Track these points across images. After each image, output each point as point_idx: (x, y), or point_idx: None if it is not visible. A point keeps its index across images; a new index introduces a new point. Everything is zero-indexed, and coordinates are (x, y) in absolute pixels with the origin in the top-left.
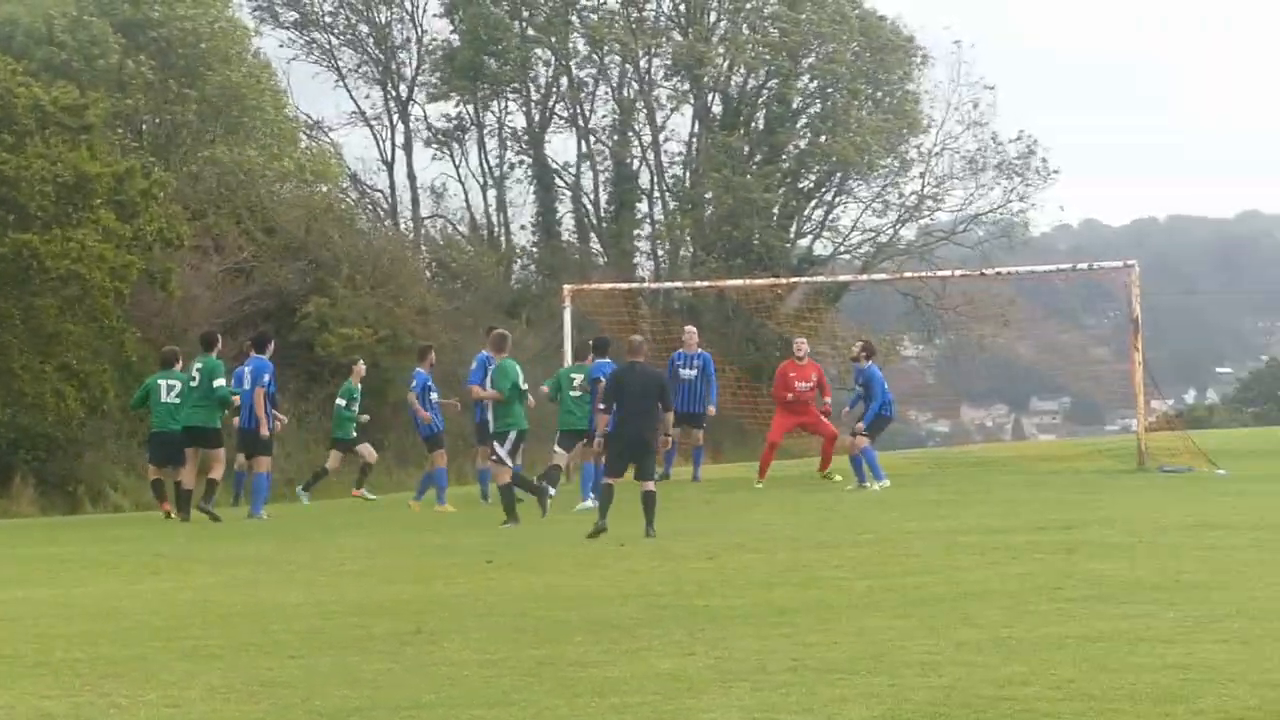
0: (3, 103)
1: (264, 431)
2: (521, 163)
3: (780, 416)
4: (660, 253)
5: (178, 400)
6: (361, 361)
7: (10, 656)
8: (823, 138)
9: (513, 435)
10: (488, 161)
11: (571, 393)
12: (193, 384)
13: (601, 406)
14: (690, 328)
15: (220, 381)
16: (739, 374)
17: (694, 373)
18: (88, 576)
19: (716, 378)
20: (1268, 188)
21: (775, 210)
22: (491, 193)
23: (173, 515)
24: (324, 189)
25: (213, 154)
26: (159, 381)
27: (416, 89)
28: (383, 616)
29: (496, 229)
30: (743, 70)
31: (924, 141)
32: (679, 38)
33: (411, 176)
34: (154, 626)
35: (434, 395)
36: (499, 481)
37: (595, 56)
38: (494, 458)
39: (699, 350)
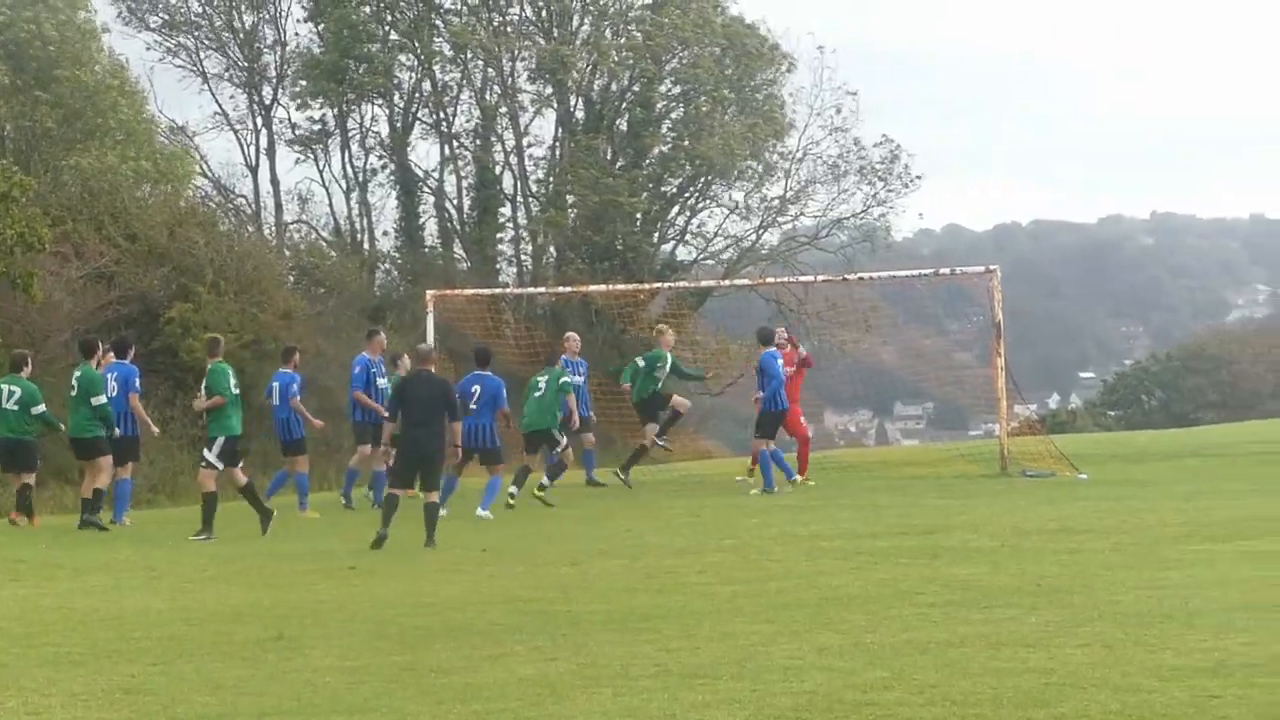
0: None
1: (155, 431)
2: (385, 168)
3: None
4: (523, 258)
5: (16, 408)
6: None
7: None
8: (686, 141)
9: (221, 441)
10: (351, 166)
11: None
12: (73, 393)
13: (386, 415)
14: (572, 334)
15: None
16: (602, 380)
17: (581, 378)
18: None
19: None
20: (1130, 193)
21: (639, 215)
22: (355, 198)
23: (17, 523)
24: (187, 193)
25: (76, 160)
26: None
27: (281, 93)
28: (244, 623)
29: (360, 234)
30: (605, 74)
31: (787, 147)
32: (542, 41)
33: (275, 181)
34: (14, 633)
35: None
36: (203, 489)
37: (459, 60)
38: (203, 463)
39: (581, 358)
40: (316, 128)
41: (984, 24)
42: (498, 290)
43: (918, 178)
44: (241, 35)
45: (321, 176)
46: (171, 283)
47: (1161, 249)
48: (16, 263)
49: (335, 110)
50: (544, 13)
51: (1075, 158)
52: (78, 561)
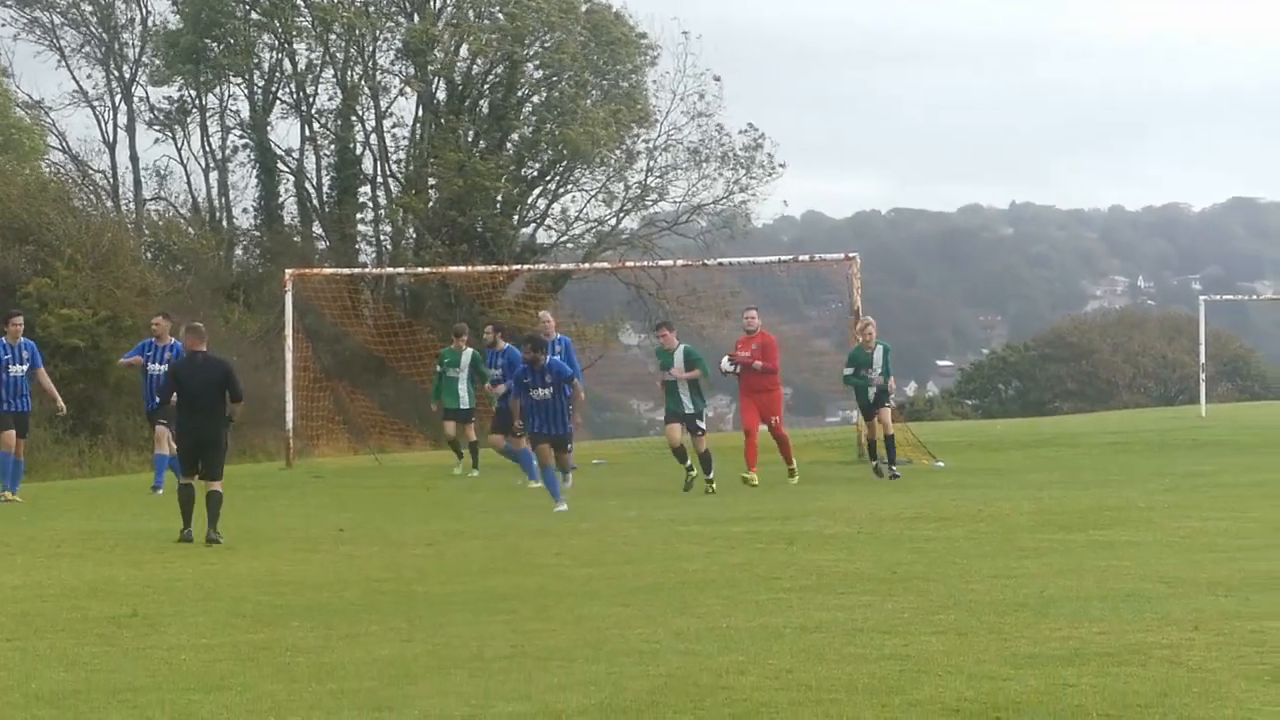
0: None
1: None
2: (245, 146)
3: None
4: (383, 238)
5: None
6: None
7: None
8: (548, 126)
9: None
10: (210, 145)
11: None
12: None
13: (159, 400)
14: (545, 313)
15: None
16: None
17: (558, 358)
18: None
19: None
20: (990, 184)
21: (500, 198)
22: (214, 176)
23: None
24: (44, 167)
25: None
26: None
27: (140, 71)
28: (99, 599)
29: (219, 212)
30: (469, 56)
31: (650, 133)
32: (404, 21)
33: (134, 158)
34: None
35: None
36: None
37: (322, 39)
38: None
39: (559, 335)
40: (176, 106)
41: (858, 9)
42: (357, 270)
43: (781, 166)
44: (100, 12)
45: (180, 154)
46: (35, 261)
47: (1021, 239)
48: None
49: (194, 89)
50: None
51: (935, 148)
52: None
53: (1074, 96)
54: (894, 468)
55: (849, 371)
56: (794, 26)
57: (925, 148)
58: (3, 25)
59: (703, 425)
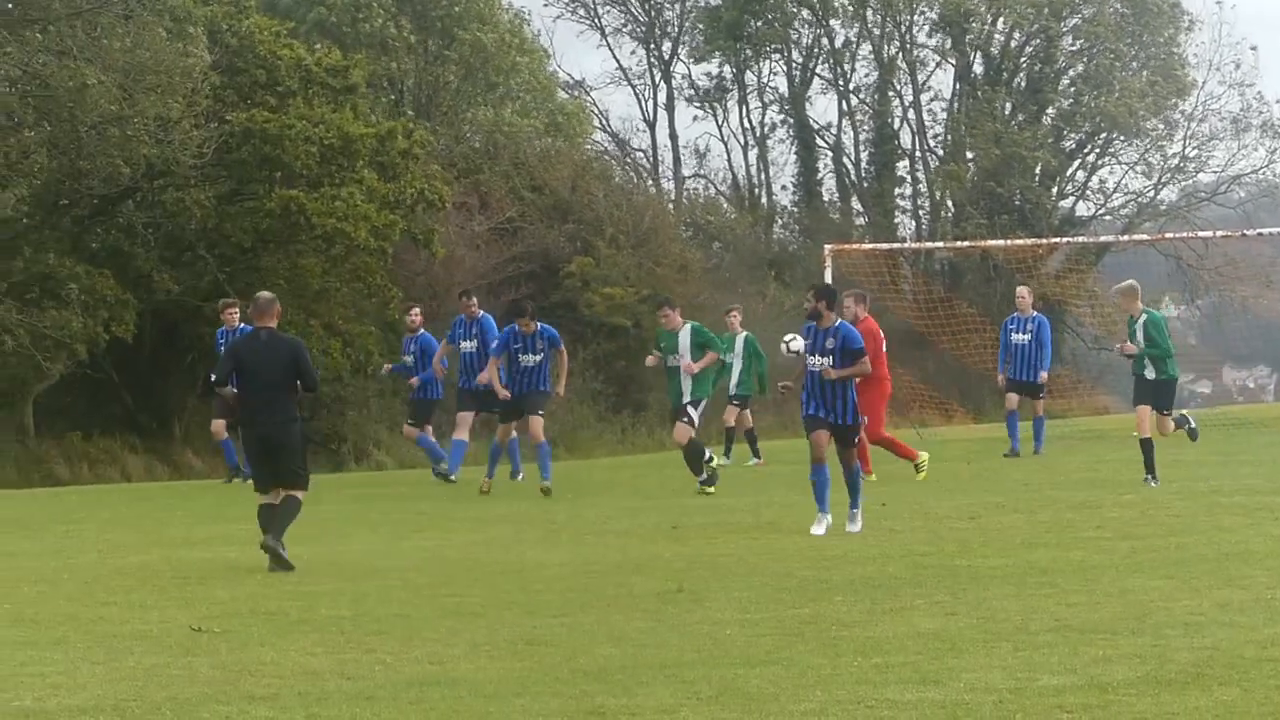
0: (266, 64)
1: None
2: (784, 123)
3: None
4: (921, 212)
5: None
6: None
7: (275, 614)
8: (1085, 98)
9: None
10: (749, 121)
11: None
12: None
13: (215, 378)
14: (1023, 289)
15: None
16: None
17: (1028, 337)
18: (350, 534)
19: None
20: None
21: (1038, 169)
22: (753, 153)
23: None
24: (586, 147)
25: (475, 114)
26: None
27: (679, 48)
28: (644, 575)
29: (757, 189)
30: (1005, 28)
31: (1187, 104)
32: None
33: (673, 136)
34: (417, 584)
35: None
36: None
37: (858, 15)
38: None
39: (1034, 313)
40: (715, 83)
41: None
42: (895, 245)
43: None
44: None
45: (720, 131)
46: (575, 239)
47: None
48: (418, 219)
49: (733, 66)
50: None
51: None
52: (478, 514)
53: None
54: None
55: None
56: None
57: None
58: (545, 6)
59: (694, 415)
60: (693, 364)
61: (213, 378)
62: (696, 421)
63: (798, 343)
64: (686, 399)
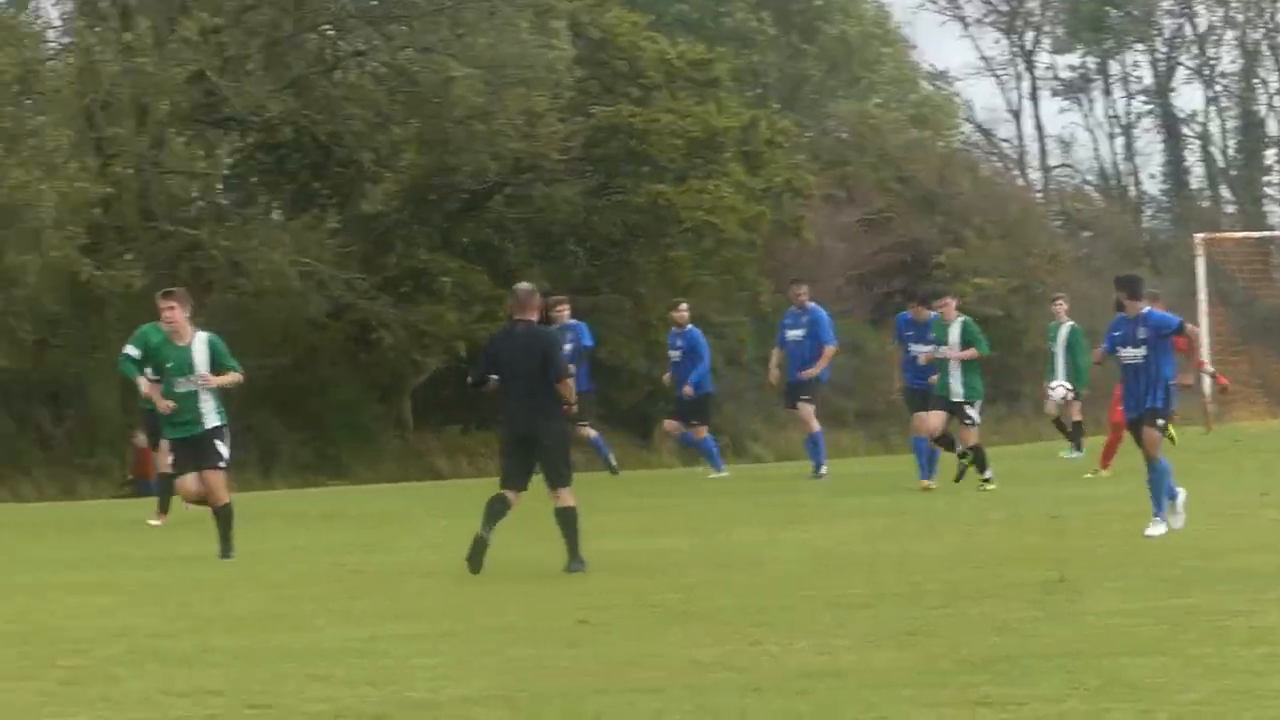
0: (629, 56)
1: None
2: (1149, 112)
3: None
4: None
5: None
6: None
7: (658, 606)
8: None
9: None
10: (1114, 111)
11: None
12: None
13: (470, 379)
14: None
15: None
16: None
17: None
18: (729, 526)
19: None
20: None
21: None
22: (1119, 142)
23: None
24: (952, 139)
25: (838, 106)
26: None
27: (1042, 39)
28: (1025, 566)
29: (1124, 178)
30: None
31: None
32: None
33: (1039, 126)
34: (800, 576)
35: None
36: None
37: (1223, 2)
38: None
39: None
40: (1078, 74)
41: None
42: (1265, 233)
43: None
44: None
45: (1085, 121)
46: (944, 229)
47: None
48: (785, 208)
49: (1097, 56)
50: None
51: None
52: (856, 506)
53: None
54: None
55: None
56: None
57: None
58: None
59: (974, 415)
60: (952, 351)
61: (469, 380)
62: (977, 421)
63: (1059, 391)
64: (961, 397)
